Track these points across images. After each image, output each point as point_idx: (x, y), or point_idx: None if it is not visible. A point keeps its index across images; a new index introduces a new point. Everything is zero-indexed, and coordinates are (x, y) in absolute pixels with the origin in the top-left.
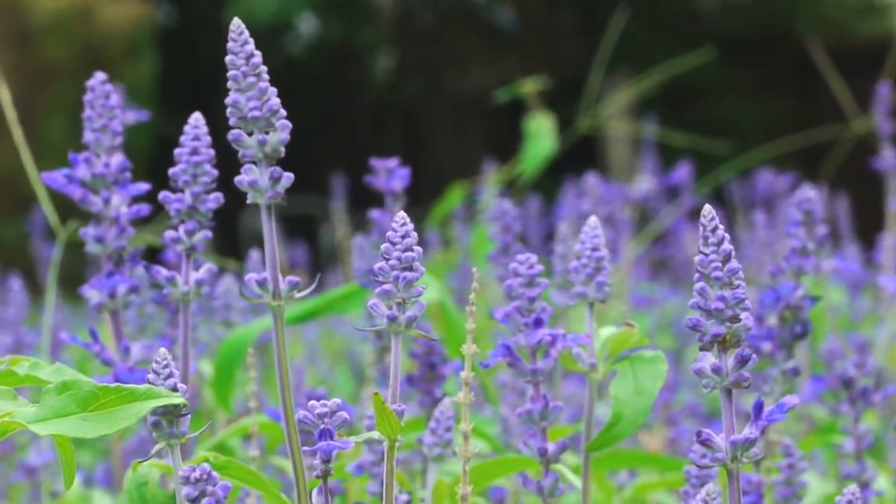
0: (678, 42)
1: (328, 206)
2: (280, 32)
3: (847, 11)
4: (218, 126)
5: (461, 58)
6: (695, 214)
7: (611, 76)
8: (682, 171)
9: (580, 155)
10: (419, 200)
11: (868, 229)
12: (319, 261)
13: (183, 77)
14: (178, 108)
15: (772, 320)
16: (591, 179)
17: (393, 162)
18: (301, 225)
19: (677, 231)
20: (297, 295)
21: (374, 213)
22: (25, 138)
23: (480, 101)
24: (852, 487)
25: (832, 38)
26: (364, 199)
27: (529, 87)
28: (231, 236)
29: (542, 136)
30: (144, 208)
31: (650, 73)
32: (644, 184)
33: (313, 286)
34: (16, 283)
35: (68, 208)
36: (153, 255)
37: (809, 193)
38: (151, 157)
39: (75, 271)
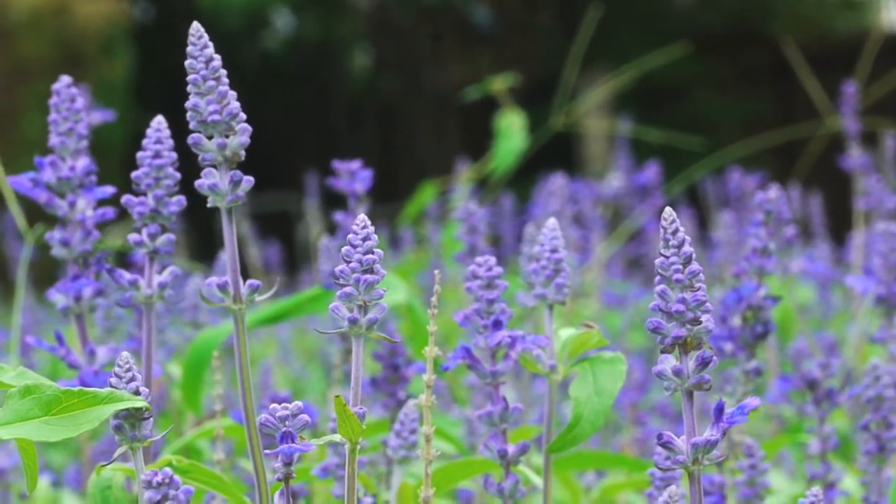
0: (656, 39)
1: (304, 204)
2: (256, 28)
3: (824, 7)
4: None
5: (439, 55)
6: None
7: (588, 73)
8: (651, 172)
9: (557, 152)
10: (397, 197)
11: (844, 226)
12: (295, 259)
13: (159, 73)
14: (154, 104)
15: (735, 321)
16: (559, 179)
17: (355, 164)
18: (278, 222)
19: (650, 230)
20: (259, 298)
21: (338, 216)
22: (4, 134)
23: (458, 98)
24: (815, 489)
25: (810, 34)
26: (341, 197)
27: (500, 83)
28: (209, 234)
29: (512, 133)
30: (110, 212)
31: (626, 69)
32: (614, 182)
33: (274, 289)
34: None
35: (41, 208)
36: (123, 257)
37: (770, 194)
38: (127, 154)
39: (51, 270)
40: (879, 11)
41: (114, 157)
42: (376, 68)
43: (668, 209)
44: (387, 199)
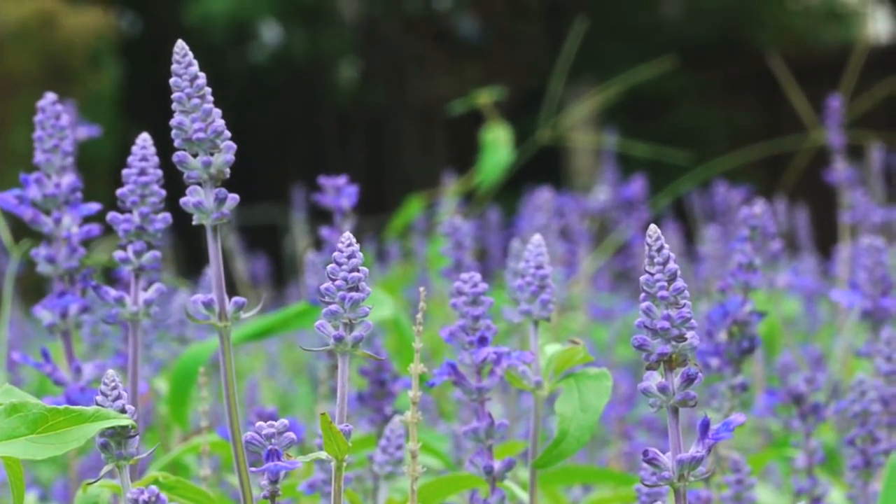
0: (642, 51)
1: (291, 217)
2: (244, 41)
3: (810, 19)
4: None
5: (425, 67)
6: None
7: (575, 86)
8: (637, 185)
9: (544, 165)
10: (384, 209)
11: (830, 239)
12: (283, 273)
13: (147, 85)
14: (142, 116)
15: (721, 336)
16: (545, 193)
17: (341, 179)
18: (266, 235)
19: (636, 243)
20: (245, 315)
21: (324, 231)
22: None
23: (445, 111)
24: (802, 503)
25: (796, 46)
26: (329, 209)
27: (485, 97)
28: (197, 247)
29: (498, 146)
30: (95, 229)
31: (612, 83)
32: (600, 195)
33: (259, 306)
34: None
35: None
36: (109, 273)
37: (755, 209)
38: (115, 167)
39: (39, 284)
40: (865, 23)
41: (102, 170)
42: (363, 81)
43: (652, 226)
44: (374, 211)
